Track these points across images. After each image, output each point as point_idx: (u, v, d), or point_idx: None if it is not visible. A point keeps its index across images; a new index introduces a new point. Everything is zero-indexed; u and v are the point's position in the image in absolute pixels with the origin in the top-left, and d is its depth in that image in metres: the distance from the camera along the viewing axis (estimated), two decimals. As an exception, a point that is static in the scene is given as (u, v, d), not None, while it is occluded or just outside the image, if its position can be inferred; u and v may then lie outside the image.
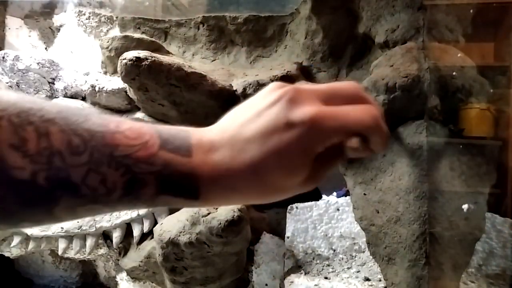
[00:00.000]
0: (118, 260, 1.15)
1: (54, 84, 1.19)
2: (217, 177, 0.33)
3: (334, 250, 0.95)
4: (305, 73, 1.07)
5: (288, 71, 1.00)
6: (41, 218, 0.31)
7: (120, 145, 0.30)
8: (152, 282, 1.10)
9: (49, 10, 1.41)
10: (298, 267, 0.96)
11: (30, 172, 0.28)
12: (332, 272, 0.93)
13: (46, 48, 1.42)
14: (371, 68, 0.83)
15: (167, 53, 1.14)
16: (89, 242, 1.08)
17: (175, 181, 0.32)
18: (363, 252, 0.93)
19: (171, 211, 1.04)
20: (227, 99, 1.02)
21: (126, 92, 1.09)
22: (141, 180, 0.31)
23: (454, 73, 0.70)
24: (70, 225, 1.06)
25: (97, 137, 0.30)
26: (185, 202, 0.33)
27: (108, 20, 1.35)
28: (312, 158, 0.32)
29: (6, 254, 1.15)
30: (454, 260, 0.70)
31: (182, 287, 0.93)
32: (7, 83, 1.13)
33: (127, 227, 1.09)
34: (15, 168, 0.28)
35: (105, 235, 1.12)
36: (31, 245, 1.09)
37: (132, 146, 0.31)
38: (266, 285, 1.00)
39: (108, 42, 1.15)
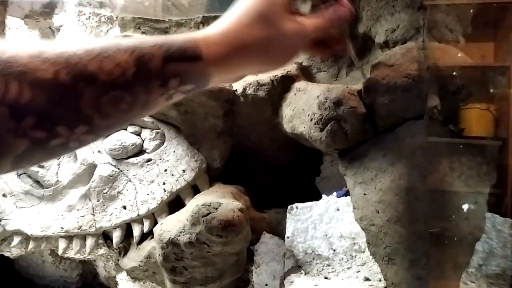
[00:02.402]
0: (118, 260, 1.15)
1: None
2: (217, 39, 0.39)
3: (334, 250, 0.95)
4: (305, 73, 1.07)
5: (288, 71, 1.00)
6: (72, 119, 0.32)
7: (125, 39, 0.36)
8: (152, 282, 1.10)
9: (49, 10, 1.41)
10: (298, 267, 0.96)
11: (52, 72, 0.31)
12: (332, 272, 0.93)
13: (46, 48, 1.41)
14: (371, 68, 0.83)
15: (167, 53, 1.14)
16: (89, 242, 1.08)
17: (177, 47, 0.37)
18: (363, 252, 0.93)
19: (171, 211, 1.05)
20: (227, 99, 1.02)
21: (126, 92, 1.09)
22: (147, 53, 0.35)
23: (454, 73, 0.70)
24: (70, 225, 1.06)
25: (104, 41, 0.35)
26: (191, 66, 0.38)
27: (108, 20, 1.35)
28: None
29: (6, 254, 1.15)
30: (454, 260, 0.70)
31: (182, 287, 0.93)
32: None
33: (127, 227, 1.09)
34: (37, 70, 0.30)
35: (105, 235, 1.12)
36: (31, 245, 1.09)
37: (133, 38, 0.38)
38: (266, 285, 1.00)
39: (108, 42, 1.14)
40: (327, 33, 0.53)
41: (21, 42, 0.32)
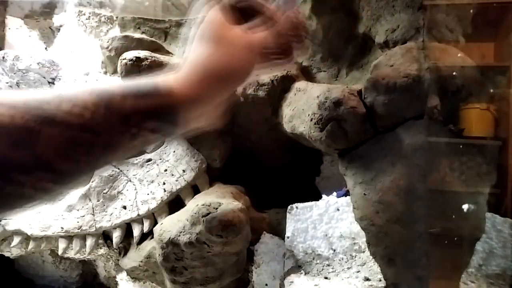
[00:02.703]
0: (118, 260, 1.15)
1: (54, 84, 1.19)
2: (180, 74, 0.39)
3: (334, 250, 0.95)
4: (305, 73, 1.07)
5: (288, 71, 1.00)
6: (29, 164, 0.30)
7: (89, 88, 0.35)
8: (152, 282, 1.10)
9: (49, 10, 1.41)
10: (298, 267, 0.96)
11: (8, 115, 0.29)
12: (332, 272, 0.93)
13: (46, 48, 1.42)
14: (371, 68, 0.83)
15: (167, 53, 1.14)
16: (89, 242, 1.08)
17: (138, 85, 0.36)
18: (363, 252, 0.93)
19: (171, 211, 1.05)
20: (227, 99, 1.02)
21: (126, 92, 1.09)
22: (106, 93, 0.34)
23: (454, 73, 0.70)
24: (70, 225, 1.06)
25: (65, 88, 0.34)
26: (152, 100, 0.36)
27: (108, 20, 1.35)
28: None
29: (6, 254, 1.15)
30: (454, 260, 0.70)
31: (182, 287, 0.93)
32: (7, 83, 1.13)
33: (127, 227, 1.09)
34: None
35: (105, 235, 1.12)
36: (31, 245, 1.09)
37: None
38: (266, 285, 1.00)
39: (108, 42, 1.15)
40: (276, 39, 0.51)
41: None
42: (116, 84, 0.36)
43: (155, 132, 0.38)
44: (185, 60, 0.42)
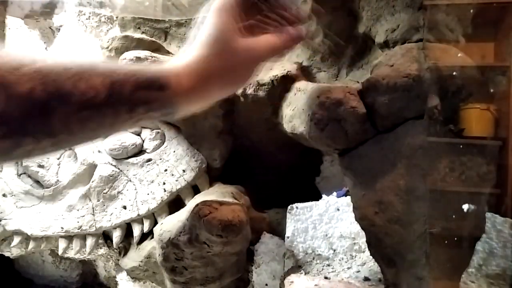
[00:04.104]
0: (118, 260, 1.15)
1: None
2: (182, 71, 0.43)
3: (334, 250, 0.95)
4: (305, 73, 1.07)
5: (288, 71, 1.00)
6: (40, 133, 0.34)
7: (101, 63, 0.39)
8: (152, 282, 1.11)
9: (49, 10, 1.41)
10: (298, 267, 0.96)
11: (28, 87, 0.32)
12: (332, 272, 0.93)
13: (46, 48, 1.42)
14: (371, 68, 0.83)
15: (167, 53, 1.14)
16: (89, 242, 1.08)
17: (147, 77, 0.39)
18: (363, 252, 0.93)
19: (171, 211, 1.05)
20: (227, 98, 1.02)
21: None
22: (119, 80, 0.37)
23: (454, 73, 0.70)
24: (70, 225, 1.06)
25: (80, 61, 0.37)
26: (159, 95, 0.40)
27: (108, 20, 1.35)
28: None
29: (6, 254, 1.15)
30: (454, 260, 0.70)
31: (182, 287, 0.93)
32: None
33: (127, 227, 1.09)
34: (14, 83, 0.31)
35: (105, 235, 1.12)
36: (31, 245, 1.09)
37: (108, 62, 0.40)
38: (266, 285, 1.00)
39: (108, 42, 1.15)
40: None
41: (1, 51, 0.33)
42: (128, 70, 0.39)
43: (153, 119, 0.43)
44: (189, 50, 0.45)
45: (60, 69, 0.34)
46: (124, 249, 1.12)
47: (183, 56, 0.45)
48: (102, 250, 1.12)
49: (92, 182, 1.06)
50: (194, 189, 1.09)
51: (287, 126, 0.94)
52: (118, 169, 1.07)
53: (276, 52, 0.52)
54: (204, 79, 0.44)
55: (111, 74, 0.37)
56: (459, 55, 0.74)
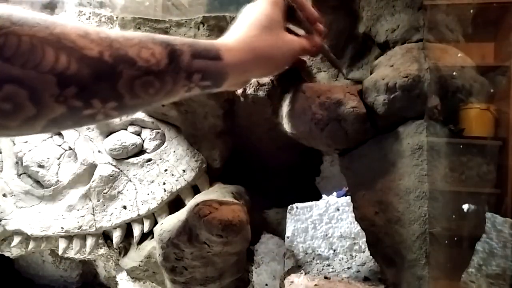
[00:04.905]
0: (118, 260, 1.15)
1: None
2: (234, 46, 0.48)
3: (334, 250, 0.95)
4: (305, 73, 1.07)
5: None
6: (107, 95, 0.37)
7: (157, 35, 0.42)
8: (152, 282, 1.10)
9: (49, 10, 1.41)
10: (298, 267, 0.96)
11: (97, 51, 0.36)
12: (332, 272, 0.93)
13: (46, 48, 1.41)
14: (371, 68, 0.83)
15: (167, 53, 1.14)
16: (89, 242, 1.08)
17: (203, 48, 0.44)
18: (363, 252, 0.93)
19: (171, 211, 1.05)
20: (227, 98, 1.02)
21: (126, 92, 1.09)
22: (178, 49, 0.42)
23: (454, 73, 0.70)
24: (70, 225, 1.06)
25: (139, 33, 0.41)
26: (213, 64, 0.45)
27: (108, 20, 1.35)
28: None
29: (6, 254, 1.15)
30: (454, 260, 0.70)
31: (182, 287, 0.93)
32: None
33: (127, 227, 1.09)
34: (85, 48, 0.35)
35: (105, 235, 1.12)
36: (31, 245, 1.09)
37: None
38: (266, 285, 1.01)
39: (108, 42, 1.15)
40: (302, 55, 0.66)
41: (64, 20, 0.37)
42: (184, 40, 0.43)
43: (203, 90, 0.46)
44: (237, 30, 0.51)
45: (123, 38, 0.38)
46: (124, 249, 1.12)
47: (232, 34, 0.50)
48: (102, 250, 1.12)
49: (92, 182, 1.06)
50: (194, 189, 1.09)
51: (287, 126, 0.94)
52: (118, 169, 1.07)
53: (305, 53, 0.62)
54: (252, 56, 0.49)
55: (169, 44, 0.41)
56: (459, 55, 0.74)
